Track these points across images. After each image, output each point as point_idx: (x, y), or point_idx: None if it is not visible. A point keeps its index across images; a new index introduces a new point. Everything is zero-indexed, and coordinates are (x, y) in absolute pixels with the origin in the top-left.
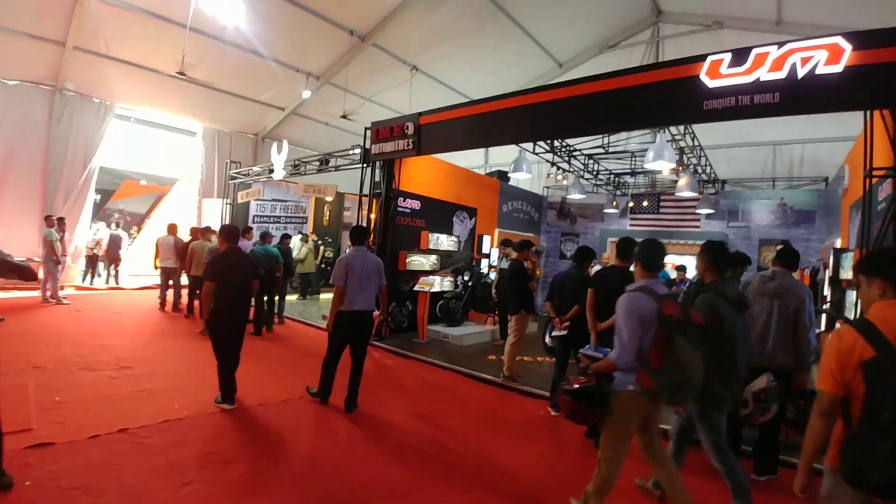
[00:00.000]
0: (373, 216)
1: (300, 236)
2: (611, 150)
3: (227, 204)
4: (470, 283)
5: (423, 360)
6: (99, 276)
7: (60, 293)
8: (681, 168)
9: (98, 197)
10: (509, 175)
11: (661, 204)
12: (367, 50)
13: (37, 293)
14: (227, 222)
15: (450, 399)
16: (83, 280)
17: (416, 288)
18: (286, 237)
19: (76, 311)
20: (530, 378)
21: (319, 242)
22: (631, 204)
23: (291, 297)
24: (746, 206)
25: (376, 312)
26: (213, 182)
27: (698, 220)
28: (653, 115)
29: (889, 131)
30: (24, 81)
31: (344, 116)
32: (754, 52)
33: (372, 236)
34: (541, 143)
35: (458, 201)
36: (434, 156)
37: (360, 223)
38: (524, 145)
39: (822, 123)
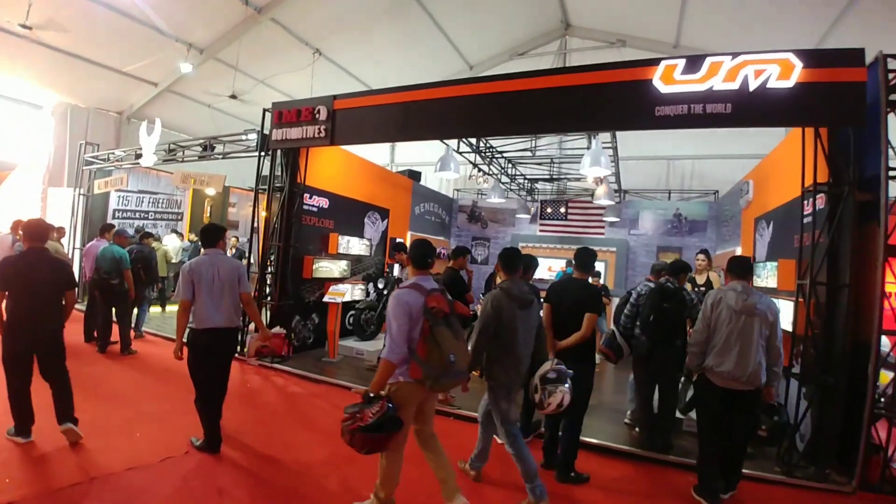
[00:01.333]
0: (264, 214)
1: (174, 234)
2: (538, 153)
3: (80, 195)
4: (385, 291)
5: (337, 384)
6: None
7: None
8: (603, 177)
9: None
10: (436, 173)
11: (570, 211)
12: (264, 24)
13: None
14: (81, 217)
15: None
16: None
17: (326, 299)
18: (147, 236)
19: None
20: (465, 399)
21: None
22: (543, 209)
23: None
24: (645, 214)
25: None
26: (63, 168)
27: (603, 226)
28: (600, 117)
29: (825, 149)
30: None
31: (233, 97)
32: (708, 60)
33: (263, 239)
34: (463, 142)
35: (370, 201)
36: (343, 149)
37: (270, 223)
38: (448, 143)
39: (710, 141)
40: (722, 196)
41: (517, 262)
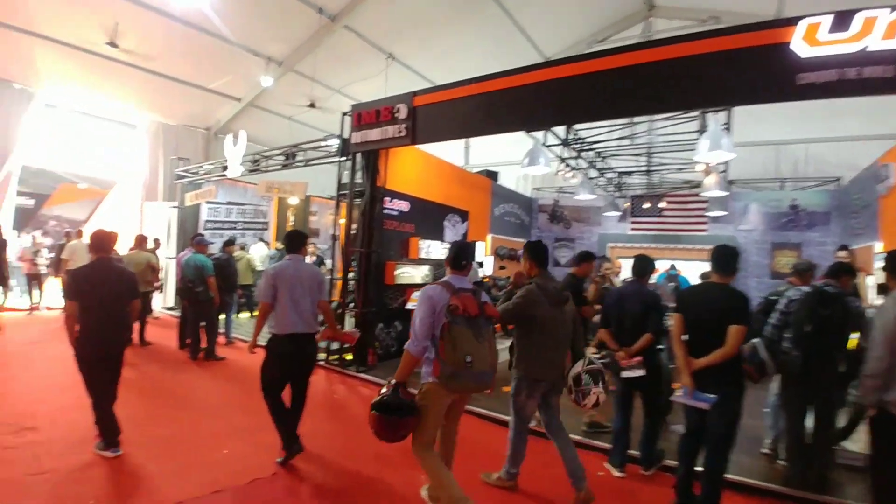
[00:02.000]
0: (342, 220)
1: (261, 243)
2: (631, 143)
3: (172, 208)
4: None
5: None
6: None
7: None
8: (714, 164)
9: (32, 202)
10: (523, 169)
11: (665, 206)
12: (338, 32)
13: None
14: (175, 228)
15: (481, 456)
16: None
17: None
18: (228, 244)
19: None
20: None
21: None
22: (634, 206)
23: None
24: (754, 207)
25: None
26: (158, 183)
27: (705, 223)
28: (727, 91)
29: None
30: None
31: (312, 105)
32: (861, 15)
33: (345, 245)
34: (551, 133)
35: (449, 203)
36: (421, 150)
37: (350, 229)
38: (535, 135)
39: (826, 122)
40: (847, 183)
41: (547, 256)
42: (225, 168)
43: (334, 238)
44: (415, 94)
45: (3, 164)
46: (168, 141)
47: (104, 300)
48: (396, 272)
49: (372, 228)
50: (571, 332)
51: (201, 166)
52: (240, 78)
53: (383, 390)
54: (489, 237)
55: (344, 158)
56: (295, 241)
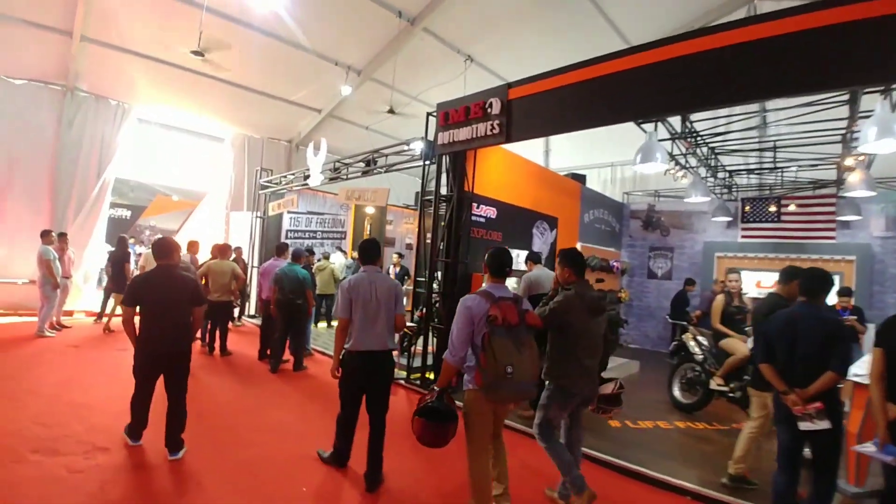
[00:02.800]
0: (416, 229)
1: (339, 252)
2: (757, 136)
3: (256, 217)
4: None
5: (517, 428)
6: None
7: (63, 319)
8: (862, 158)
9: (129, 213)
10: (633, 168)
11: (784, 209)
12: (417, 36)
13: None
14: (258, 238)
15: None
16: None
17: None
18: (305, 254)
19: (71, 347)
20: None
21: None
22: (745, 210)
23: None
24: None
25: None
26: (243, 194)
27: (833, 229)
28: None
29: None
30: (32, 80)
31: (391, 111)
32: None
33: (431, 256)
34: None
35: (538, 208)
36: (507, 151)
37: (435, 238)
38: (646, 129)
39: None
40: None
41: (584, 263)
42: (306, 177)
43: (410, 248)
44: (510, 85)
45: (101, 175)
46: (253, 153)
47: (163, 306)
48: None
49: (458, 237)
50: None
51: (284, 176)
52: (320, 88)
53: (427, 397)
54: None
55: (428, 162)
56: (370, 251)
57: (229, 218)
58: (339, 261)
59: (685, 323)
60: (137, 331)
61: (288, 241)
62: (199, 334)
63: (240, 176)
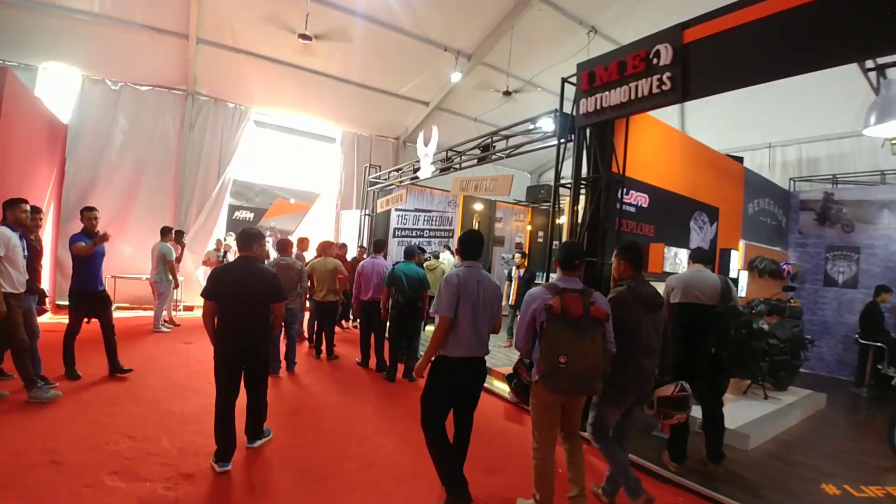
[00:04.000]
0: (528, 227)
1: (447, 252)
2: None
3: (365, 215)
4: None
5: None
6: None
7: (174, 313)
8: None
9: (251, 215)
10: (866, 129)
11: None
12: (535, 8)
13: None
14: (366, 236)
15: None
16: None
17: None
18: (418, 251)
19: (184, 344)
20: None
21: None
22: None
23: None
24: None
25: None
26: (353, 192)
27: None
28: None
29: None
30: (156, 86)
31: (507, 93)
32: None
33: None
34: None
35: (696, 196)
36: (659, 120)
37: (565, 232)
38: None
39: None
40: None
41: (642, 257)
42: (416, 170)
43: (520, 247)
44: (685, 25)
45: (221, 176)
46: (361, 151)
47: (240, 301)
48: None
49: (605, 230)
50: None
51: (397, 170)
52: (428, 79)
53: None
54: (741, 244)
55: (563, 141)
56: (473, 244)
57: (339, 216)
58: (448, 260)
59: (881, 344)
60: (216, 325)
61: (395, 239)
62: (305, 333)
63: (349, 174)
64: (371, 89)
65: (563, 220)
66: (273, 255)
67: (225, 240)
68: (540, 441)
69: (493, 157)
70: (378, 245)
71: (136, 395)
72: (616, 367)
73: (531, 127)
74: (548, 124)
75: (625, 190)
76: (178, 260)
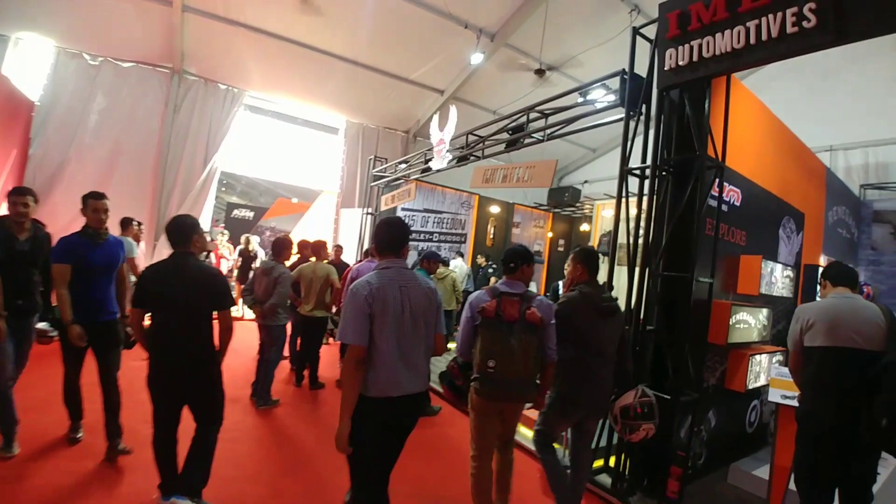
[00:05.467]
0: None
1: (459, 259)
2: None
3: (366, 214)
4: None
5: None
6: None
7: None
8: None
9: (251, 214)
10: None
11: None
12: None
13: None
14: (367, 237)
15: None
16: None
17: (779, 398)
18: (439, 258)
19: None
20: None
21: (491, 267)
22: None
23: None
24: None
25: None
26: (355, 189)
27: None
28: None
29: None
30: (140, 63)
31: (540, 72)
32: None
33: (642, 264)
34: None
35: (784, 196)
36: (749, 90)
37: (594, 239)
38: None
39: None
40: None
41: (598, 263)
42: (428, 160)
43: (539, 255)
44: None
45: (207, 164)
46: (367, 145)
47: (173, 308)
48: (734, 319)
49: (695, 234)
50: (619, 349)
51: (404, 161)
52: (444, 61)
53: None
54: (822, 259)
55: (632, 113)
56: (391, 232)
57: (339, 215)
58: (461, 268)
59: None
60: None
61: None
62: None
63: (352, 170)
64: (380, 72)
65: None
66: (261, 255)
67: (248, 242)
68: (477, 449)
69: (526, 142)
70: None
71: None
72: (566, 376)
73: (580, 100)
74: (602, 96)
75: (718, 181)
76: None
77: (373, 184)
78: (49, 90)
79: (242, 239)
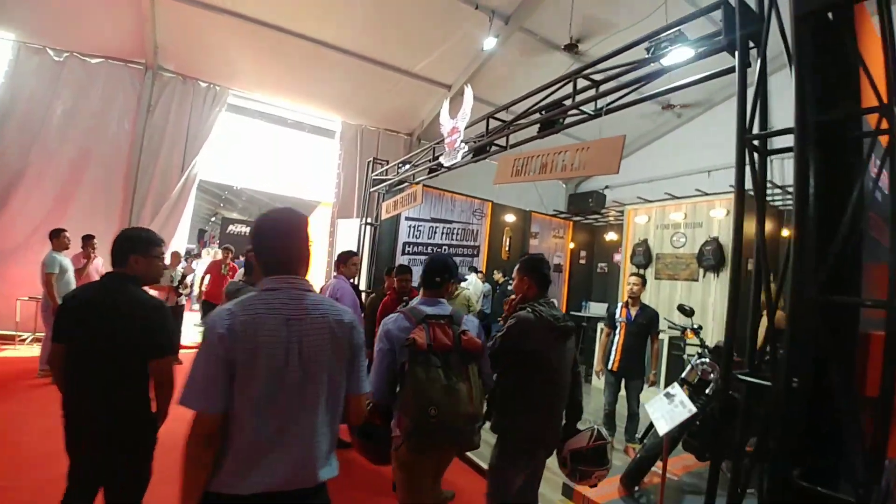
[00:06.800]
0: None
1: (473, 275)
2: None
3: (365, 224)
4: None
5: None
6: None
7: None
8: None
9: (247, 230)
10: None
11: None
12: None
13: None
14: (366, 252)
15: None
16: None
17: None
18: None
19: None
20: None
21: (510, 284)
22: None
23: None
24: None
25: None
26: (353, 198)
27: None
28: None
29: None
30: (110, 59)
31: (572, 45)
32: None
33: (793, 280)
34: None
35: None
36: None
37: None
38: None
39: None
40: None
41: (549, 274)
42: (437, 157)
43: (559, 269)
44: None
45: (185, 170)
46: (366, 149)
47: (92, 350)
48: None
49: (859, 237)
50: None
51: (404, 163)
52: (451, 50)
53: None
54: None
55: (742, 54)
56: (276, 237)
57: (336, 227)
58: (475, 285)
59: None
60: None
61: (404, 259)
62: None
63: (350, 177)
64: (379, 64)
65: (613, 235)
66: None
67: (227, 255)
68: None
69: (566, 121)
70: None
71: None
72: (516, 413)
73: (645, 55)
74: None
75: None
76: (81, 273)
77: (372, 189)
78: (7, 89)
79: (213, 253)
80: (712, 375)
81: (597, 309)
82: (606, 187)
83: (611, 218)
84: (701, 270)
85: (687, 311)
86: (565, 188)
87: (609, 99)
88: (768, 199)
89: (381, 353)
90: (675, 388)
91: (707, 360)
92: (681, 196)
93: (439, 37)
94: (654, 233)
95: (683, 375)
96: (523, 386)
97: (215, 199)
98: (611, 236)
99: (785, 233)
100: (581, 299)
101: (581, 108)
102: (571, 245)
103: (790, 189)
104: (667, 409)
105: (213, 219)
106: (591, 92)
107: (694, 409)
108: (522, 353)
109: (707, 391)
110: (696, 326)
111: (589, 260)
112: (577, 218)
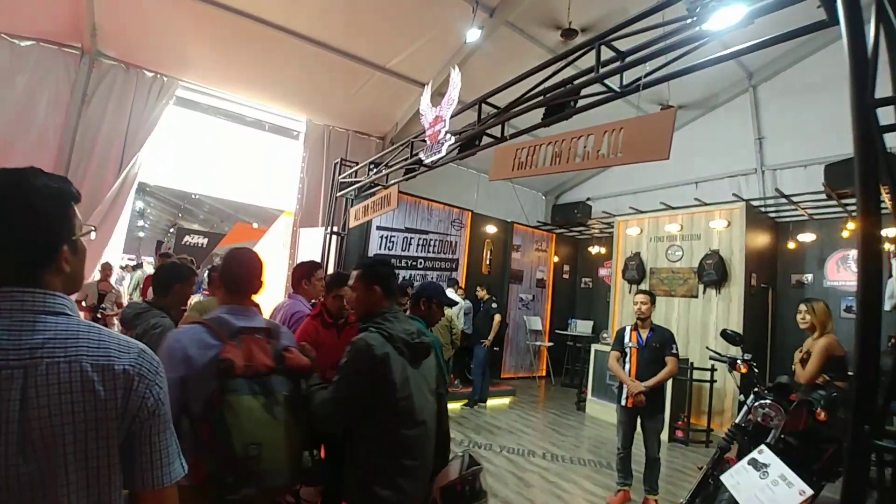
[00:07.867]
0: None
1: (451, 290)
2: None
3: (331, 234)
4: None
5: None
6: None
7: None
8: None
9: (205, 241)
10: None
11: None
12: None
13: None
14: (332, 264)
15: None
16: None
17: None
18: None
19: None
20: None
21: (494, 302)
22: None
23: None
24: None
25: None
26: (318, 205)
27: None
28: None
29: None
30: (42, 41)
31: (568, 33)
32: None
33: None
34: None
35: None
36: None
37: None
38: None
39: None
40: None
41: (395, 279)
42: (416, 154)
43: (541, 285)
44: None
45: (122, 170)
46: (333, 152)
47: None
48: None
49: None
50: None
51: (375, 162)
52: (430, 45)
53: None
54: None
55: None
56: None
57: (298, 236)
58: (458, 303)
59: None
60: None
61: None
62: None
63: (314, 182)
64: (349, 57)
65: (599, 249)
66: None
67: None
68: None
69: (579, 104)
70: (308, 268)
71: None
72: (370, 472)
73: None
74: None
75: None
76: None
77: (339, 193)
78: None
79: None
80: (773, 421)
81: (584, 327)
82: (588, 199)
83: (595, 231)
84: (701, 286)
85: (733, 339)
86: (545, 199)
87: (639, 71)
88: (768, 211)
89: (168, 374)
90: (766, 454)
91: (768, 401)
92: (676, 206)
93: (416, 29)
94: (647, 245)
95: (738, 420)
96: (378, 433)
97: (174, 209)
98: (596, 250)
99: (791, 245)
100: (567, 317)
101: (605, 81)
102: (555, 259)
103: (795, 199)
104: (758, 486)
105: (171, 230)
106: (612, 66)
107: (810, 491)
108: (372, 383)
109: (769, 440)
110: (746, 357)
111: (572, 274)
112: (561, 230)
